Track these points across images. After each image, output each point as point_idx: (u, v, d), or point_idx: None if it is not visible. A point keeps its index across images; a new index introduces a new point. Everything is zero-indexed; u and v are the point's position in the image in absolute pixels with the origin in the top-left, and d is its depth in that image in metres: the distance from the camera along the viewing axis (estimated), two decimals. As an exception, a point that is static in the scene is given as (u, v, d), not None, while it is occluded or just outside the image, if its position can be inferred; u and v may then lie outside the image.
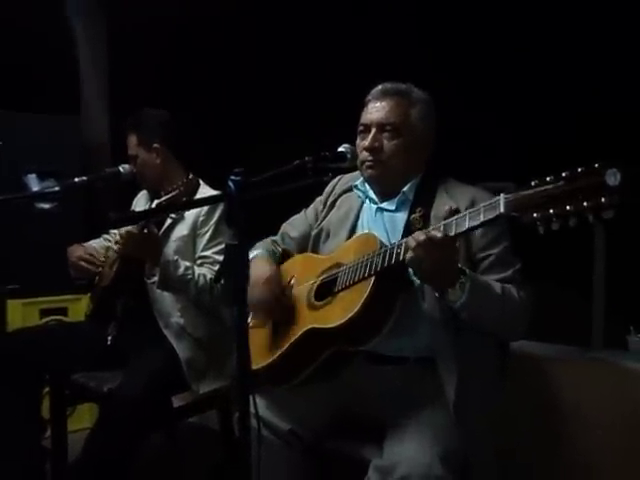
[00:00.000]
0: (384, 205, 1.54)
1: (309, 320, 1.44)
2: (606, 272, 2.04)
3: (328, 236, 1.61)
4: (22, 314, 2.58)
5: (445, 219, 1.25)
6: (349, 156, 1.37)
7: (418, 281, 1.36)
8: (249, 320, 1.62)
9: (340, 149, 1.37)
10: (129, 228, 1.77)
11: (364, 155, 1.50)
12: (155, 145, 2.03)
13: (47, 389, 2.07)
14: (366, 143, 1.49)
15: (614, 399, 1.77)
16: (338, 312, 1.36)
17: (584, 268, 2.08)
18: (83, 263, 2.01)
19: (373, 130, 1.49)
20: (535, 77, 2.38)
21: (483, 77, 2.48)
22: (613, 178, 0.97)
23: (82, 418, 2.61)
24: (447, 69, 2.51)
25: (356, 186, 1.60)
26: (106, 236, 2.24)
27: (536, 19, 2.38)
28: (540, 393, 1.88)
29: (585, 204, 0.99)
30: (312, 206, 1.73)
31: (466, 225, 1.19)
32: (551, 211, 1.03)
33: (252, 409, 1.11)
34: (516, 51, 2.40)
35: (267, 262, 1.60)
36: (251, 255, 1.63)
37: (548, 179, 1.06)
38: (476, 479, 1.32)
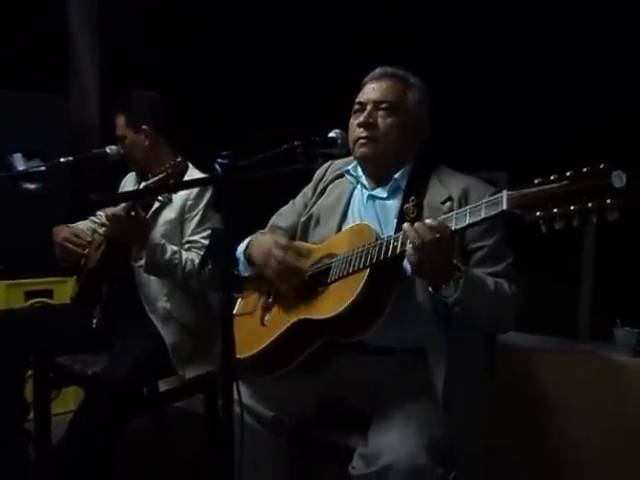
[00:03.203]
0: (376, 192, 1.52)
1: (300, 310, 1.42)
2: (594, 265, 2.05)
3: (318, 222, 1.59)
4: (6, 296, 2.55)
5: (445, 213, 1.24)
6: (340, 142, 1.36)
7: (410, 272, 1.34)
8: (236, 307, 1.61)
9: (331, 134, 1.36)
10: (115, 210, 1.74)
11: (358, 132, 1.48)
12: (144, 127, 2.00)
13: (31, 371, 2.05)
14: (361, 119, 1.48)
15: (601, 391, 1.79)
16: (331, 303, 1.34)
17: (572, 260, 2.09)
18: (69, 244, 1.99)
19: (369, 107, 1.48)
20: (531, 67, 2.36)
21: (478, 66, 2.46)
22: (619, 180, 0.96)
23: (67, 401, 2.60)
24: (443, 57, 2.49)
25: (348, 171, 1.58)
26: (93, 218, 2.21)
27: (531, 11, 2.36)
28: (527, 384, 1.89)
29: (590, 205, 0.98)
30: (300, 195, 1.71)
31: (467, 221, 1.18)
32: (555, 210, 1.01)
33: (236, 396, 1.10)
34: (512, 41, 2.38)
35: (268, 235, 1.58)
36: (244, 244, 1.61)
37: (552, 178, 1.04)
38: (462, 469, 1.32)
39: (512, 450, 1.84)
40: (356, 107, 1.52)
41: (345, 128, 1.47)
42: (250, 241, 1.59)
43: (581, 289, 2.08)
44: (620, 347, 1.84)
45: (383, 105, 1.47)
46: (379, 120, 1.47)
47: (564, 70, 2.28)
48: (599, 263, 2.06)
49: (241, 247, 1.60)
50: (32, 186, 2.55)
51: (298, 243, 1.54)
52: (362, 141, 1.47)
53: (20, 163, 2.23)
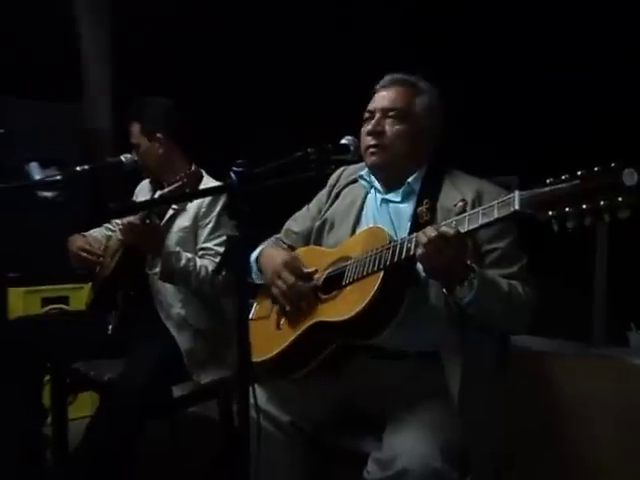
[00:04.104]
0: (389, 196, 1.53)
1: (315, 314, 1.43)
2: (608, 268, 2.03)
3: (332, 227, 1.60)
4: (24, 302, 2.59)
5: (457, 214, 1.25)
6: (352, 148, 1.37)
7: (424, 275, 1.35)
8: (252, 312, 1.63)
9: (343, 141, 1.37)
10: (131, 218, 1.76)
11: (367, 140, 1.50)
12: (158, 135, 2.02)
13: (48, 377, 2.08)
14: (369, 127, 1.50)
15: (617, 395, 1.77)
16: (346, 306, 1.35)
17: (586, 264, 2.07)
18: (83, 253, 2.01)
19: (377, 115, 1.50)
20: (543, 72, 2.36)
21: (490, 71, 2.46)
22: (630, 178, 0.97)
23: (83, 406, 2.61)
24: (454, 62, 2.49)
25: (361, 176, 1.60)
26: (108, 225, 2.24)
27: (544, 15, 2.35)
28: (541, 389, 1.88)
29: (602, 203, 0.99)
30: (314, 200, 1.73)
31: (479, 221, 1.18)
32: (567, 209, 1.02)
33: (252, 400, 1.11)
34: (524, 45, 2.38)
35: (279, 249, 1.60)
36: (256, 252, 1.62)
37: (563, 177, 1.05)
38: (475, 472, 1.32)
39: (527, 455, 1.83)
40: (366, 115, 1.54)
41: (357, 134, 1.49)
42: (262, 251, 1.61)
43: (595, 292, 2.07)
44: (634, 350, 1.83)
45: (391, 113, 1.49)
46: (387, 128, 1.49)
47: (574, 73, 2.27)
48: (613, 266, 2.05)
49: (254, 255, 1.62)
50: (48, 194, 2.59)
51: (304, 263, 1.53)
52: (372, 150, 1.49)
53: (36, 172, 2.25)
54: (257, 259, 1.60)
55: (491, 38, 2.47)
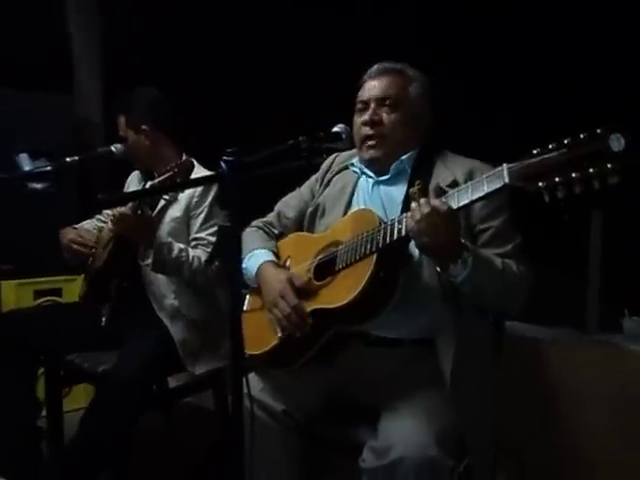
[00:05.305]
0: (381, 178, 1.53)
1: (310, 301, 1.42)
2: (601, 255, 2.04)
3: (324, 213, 1.60)
4: (16, 295, 2.57)
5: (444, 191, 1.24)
6: (344, 136, 1.36)
7: (417, 255, 1.35)
8: (245, 303, 1.62)
9: (335, 129, 1.36)
10: (122, 209, 1.75)
11: (364, 130, 1.49)
12: (144, 127, 2.00)
13: (42, 370, 2.07)
14: (366, 117, 1.48)
15: (611, 381, 1.78)
16: (342, 291, 1.35)
17: (580, 251, 2.08)
18: (75, 246, 2.00)
19: (372, 105, 1.49)
20: (535, 59, 2.34)
21: (479, 56, 2.45)
22: (617, 143, 0.96)
23: (78, 398, 2.61)
24: (444, 50, 2.47)
25: (352, 164, 1.59)
26: (99, 216, 2.22)
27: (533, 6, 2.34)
28: (536, 376, 1.89)
29: (591, 170, 0.98)
30: (307, 184, 1.71)
31: (469, 197, 1.18)
32: (556, 179, 1.02)
33: (245, 390, 1.10)
34: (515, 33, 2.36)
35: (277, 269, 1.53)
36: (250, 255, 1.58)
37: (550, 147, 1.04)
38: (472, 460, 1.33)
39: (521, 441, 1.84)
40: (359, 106, 1.53)
41: (346, 122, 1.47)
42: (261, 269, 1.54)
43: (589, 279, 2.08)
44: (628, 336, 1.84)
45: (387, 102, 1.49)
46: (384, 116, 1.48)
47: (570, 63, 2.26)
48: (607, 253, 2.05)
49: (252, 266, 1.56)
50: (39, 186, 2.55)
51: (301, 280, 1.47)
52: (370, 142, 1.48)
53: (26, 163, 2.23)
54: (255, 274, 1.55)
55: (486, 28, 2.45)
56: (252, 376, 1.46)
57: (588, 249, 2.06)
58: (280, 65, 2.95)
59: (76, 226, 2.12)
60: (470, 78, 2.43)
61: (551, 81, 2.30)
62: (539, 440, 1.88)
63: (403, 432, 1.25)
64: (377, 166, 1.53)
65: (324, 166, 1.69)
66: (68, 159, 1.91)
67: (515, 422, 1.77)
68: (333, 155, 1.68)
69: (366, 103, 1.51)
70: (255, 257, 1.58)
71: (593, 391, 1.80)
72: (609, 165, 0.96)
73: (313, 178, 1.71)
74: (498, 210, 1.39)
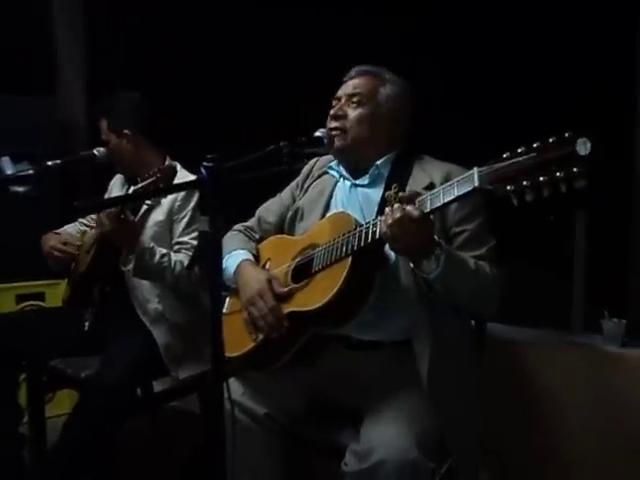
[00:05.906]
0: (358, 181, 1.54)
1: (287, 304, 1.42)
2: (586, 257, 2.06)
3: (303, 216, 1.61)
4: (-3, 300, 2.54)
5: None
6: (326, 141, 1.37)
7: (394, 258, 1.36)
8: (225, 306, 1.62)
9: (317, 134, 1.37)
10: (104, 214, 1.73)
11: (330, 123, 1.52)
12: (125, 131, 1.98)
13: (24, 375, 2.05)
14: (332, 111, 1.52)
15: (589, 382, 1.80)
16: (317, 294, 1.35)
17: (564, 252, 2.10)
18: (56, 253, 1.98)
19: (342, 101, 1.53)
20: (511, 64, 2.36)
21: (460, 62, 2.47)
22: (583, 147, 0.97)
23: (62, 403, 2.59)
24: (426, 55, 2.49)
25: (330, 167, 1.61)
26: (82, 220, 2.20)
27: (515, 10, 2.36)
28: (517, 377, 1.91)
29: (558, 174, 0.99)
30: (287, 188, 1.72)
31: (441, 200, 1.19)
32: (524, 183, 1.03)
33: (226, 394, 1.10)
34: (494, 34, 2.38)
35: (256, 269, 1.54)
36: (229, 255, 1.58)
37: (520, 150, 1.06)
38: (456, 461, 1.34)
39: (503, 442, 1.86)
40: (333, 103, 1.56)
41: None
42: (239, 267, 1.55)
43: (574, 281, 2.09)
44: (607, 338, 1.86)
45: (354, 98, 1.52)
46: (349, 112, 1.51)
47: (547, 66, 2.28)
48: (589, 254, 2.07)
49: (231, 265, 1.57)
50: (21, 189, 2.52)
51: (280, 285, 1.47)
52: (333, 132, 1.50)
53: (8, 166, 2.21)
54: (234, 273, 1.56)
55: (469, 29, 2.46)
56: (233, 380, 1.46)
57: (572, 250, 2.08)
58: (264, 69, 2.95)
59: (59, 230, 2.11)
60: (449, 81, 2.44)
61: (529, 82, 2.33)
62: (520, 441, 1.89)
63: (384, 435, 1.25)
64: (344, 158, 1.55)
65: (305, 170, 1.70)
66: (50, 162, 1.89)
67: (496, 423, 1.78)
68: (314, 160, 1.69)
69: (338, 100, 1.55)
70: (234, 257, 1.59)
71: (572, 392, 1.82)
72: (575, 169, 0.97)
73: (294, 183, 1.72)
74: (473, 213, 1.41)
